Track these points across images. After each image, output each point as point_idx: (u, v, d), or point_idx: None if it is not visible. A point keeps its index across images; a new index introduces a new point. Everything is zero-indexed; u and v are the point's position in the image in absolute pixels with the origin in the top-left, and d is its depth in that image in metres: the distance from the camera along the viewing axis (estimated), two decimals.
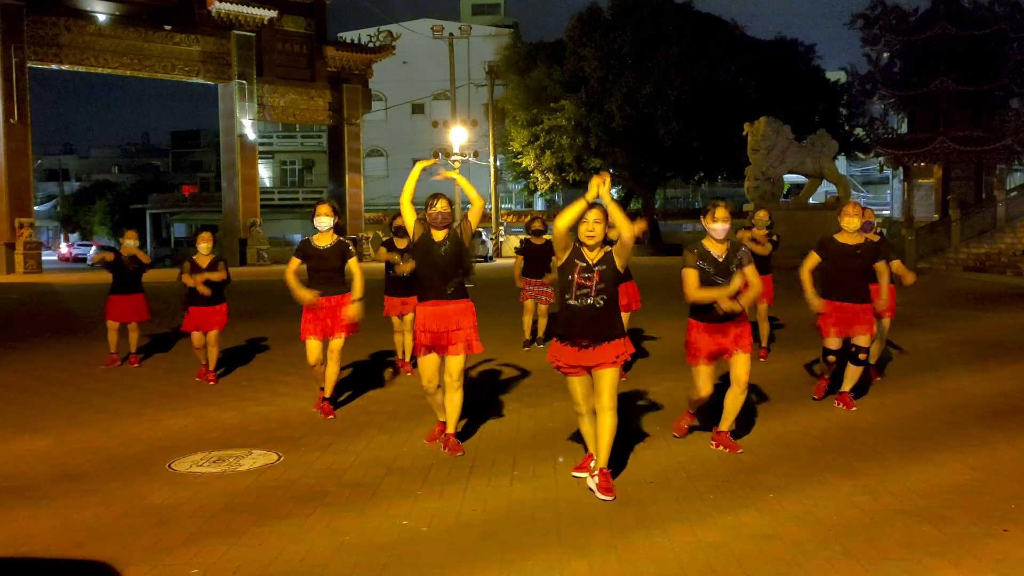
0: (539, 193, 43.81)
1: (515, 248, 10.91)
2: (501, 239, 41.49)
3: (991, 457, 5.62)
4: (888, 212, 52.31)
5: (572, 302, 4.99)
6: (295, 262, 7.04)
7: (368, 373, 9.09)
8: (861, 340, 6.86)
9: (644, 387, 7.95)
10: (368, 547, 4.19)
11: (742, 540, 4.21)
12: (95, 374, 9.42)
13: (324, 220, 6.96)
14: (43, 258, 33.85)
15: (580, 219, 4.89)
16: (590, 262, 4.96)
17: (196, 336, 8.66)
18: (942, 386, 8.04)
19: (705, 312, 5.68)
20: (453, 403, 5.91)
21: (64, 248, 55.64)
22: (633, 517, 4.56)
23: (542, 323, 10.69)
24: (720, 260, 5.66)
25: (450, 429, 5.96)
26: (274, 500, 4.92)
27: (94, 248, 47.60)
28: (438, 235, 5.92)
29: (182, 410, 7.43)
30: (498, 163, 42.56)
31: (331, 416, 7.06)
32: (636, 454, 5.76)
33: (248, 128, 37.47)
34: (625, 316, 8.25)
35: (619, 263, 4.98)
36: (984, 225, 28.72)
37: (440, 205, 5.90)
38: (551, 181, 40.85)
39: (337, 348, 7.03)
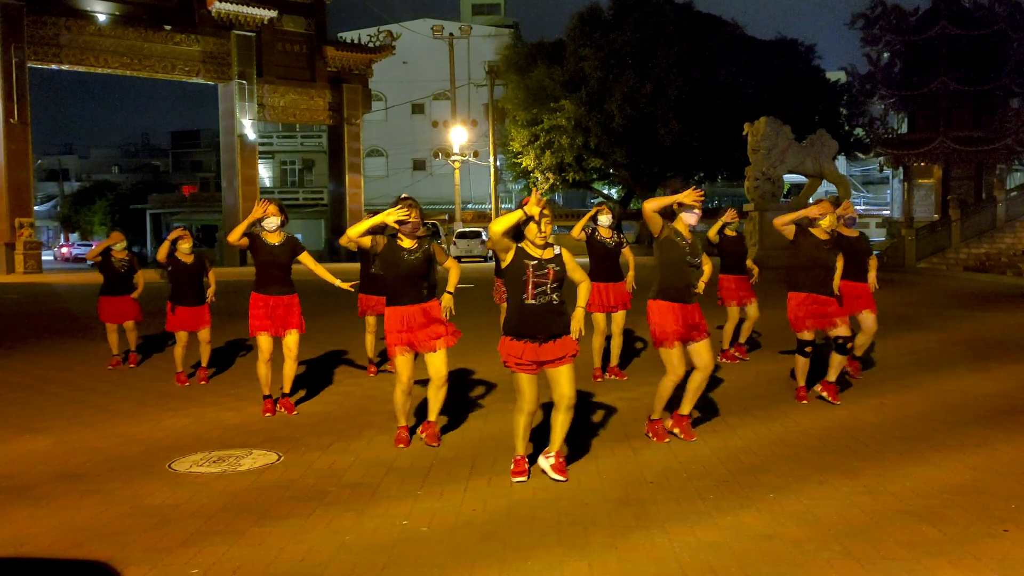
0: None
1: None
2: None
3: (991, 457, 5.62)
4: (888, 212, 52.30)
5: (530, 301, 5.07)
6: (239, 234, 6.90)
7: (367, 373, 9.08)
8: (841, 331, 7.06)
9: (643, 386, 7.93)
10: (368, 547, 4.19)
11: (742, 540, 4.21)
12: (95, 374, 9.41)
13: (272, 220, 7.00)
14: (43, 258, 33.85)
15: (517, 225, 4.99)
16: (541, 259, 5.07)
17: (183, 336, 8.64)
18: (942, 386, 8.04)
19: (669, 292, 5.93)
20: (439, 397, 6.04)
21: (64, 248, 55.50)
22: (633, 517, 4.56)
23: None
24: (691, 243, 5.99)
25: (432, 418, 6.11)
26: (274, 500, 4.92)
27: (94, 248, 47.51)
28: (407, 243, 5.90)
29: (182, 410, 7.44)
30: (498, 163, 42.56)
31: (293, 412, 7.20)
32: (636, 454, 5.76)
33: (248, 128, 37.48)
34: (620, 316, 8.38)
35: (568, 266, 5.14)
36: (984, 225, 28.69)
37: (412, 215, 5.88)
38: (551, 181, 40.85)
39: (293, 345, 7.12)
